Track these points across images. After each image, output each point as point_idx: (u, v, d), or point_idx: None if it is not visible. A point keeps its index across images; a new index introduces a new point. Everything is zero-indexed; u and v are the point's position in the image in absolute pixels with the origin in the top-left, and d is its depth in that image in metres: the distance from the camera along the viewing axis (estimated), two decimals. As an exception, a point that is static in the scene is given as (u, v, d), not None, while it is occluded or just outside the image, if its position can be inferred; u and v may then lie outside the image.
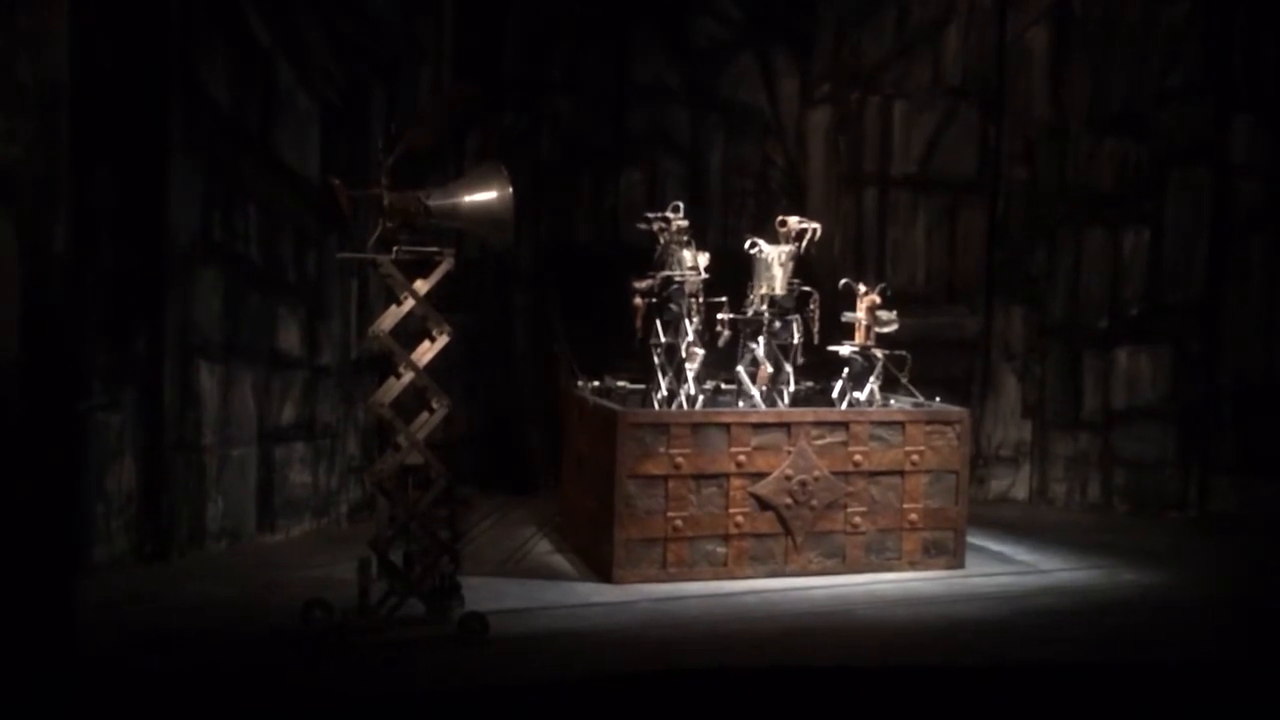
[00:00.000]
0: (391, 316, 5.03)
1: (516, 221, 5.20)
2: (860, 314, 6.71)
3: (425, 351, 5.08)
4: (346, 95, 7.24)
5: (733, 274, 6.71)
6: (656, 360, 6.54)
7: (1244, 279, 7.95)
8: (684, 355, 6.45)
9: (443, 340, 5.06)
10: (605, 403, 6.52)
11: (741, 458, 6.22)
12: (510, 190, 5.08)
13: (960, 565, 6.57)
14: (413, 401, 5.13)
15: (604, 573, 6.13)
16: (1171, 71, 8.10)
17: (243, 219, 6.58)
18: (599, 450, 6.31)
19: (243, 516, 6.61)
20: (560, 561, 6.57)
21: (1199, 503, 8.00)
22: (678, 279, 6.48)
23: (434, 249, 5.03)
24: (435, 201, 5.03)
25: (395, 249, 4.99)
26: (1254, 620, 5.78)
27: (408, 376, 5.03)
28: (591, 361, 7.28)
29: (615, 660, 4.94)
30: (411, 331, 5.19)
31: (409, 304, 5.01)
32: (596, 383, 7.01)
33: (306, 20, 6.92)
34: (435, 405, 5.08)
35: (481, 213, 5.10)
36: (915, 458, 6.48)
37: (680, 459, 6.12)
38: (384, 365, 5.22)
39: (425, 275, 5.03)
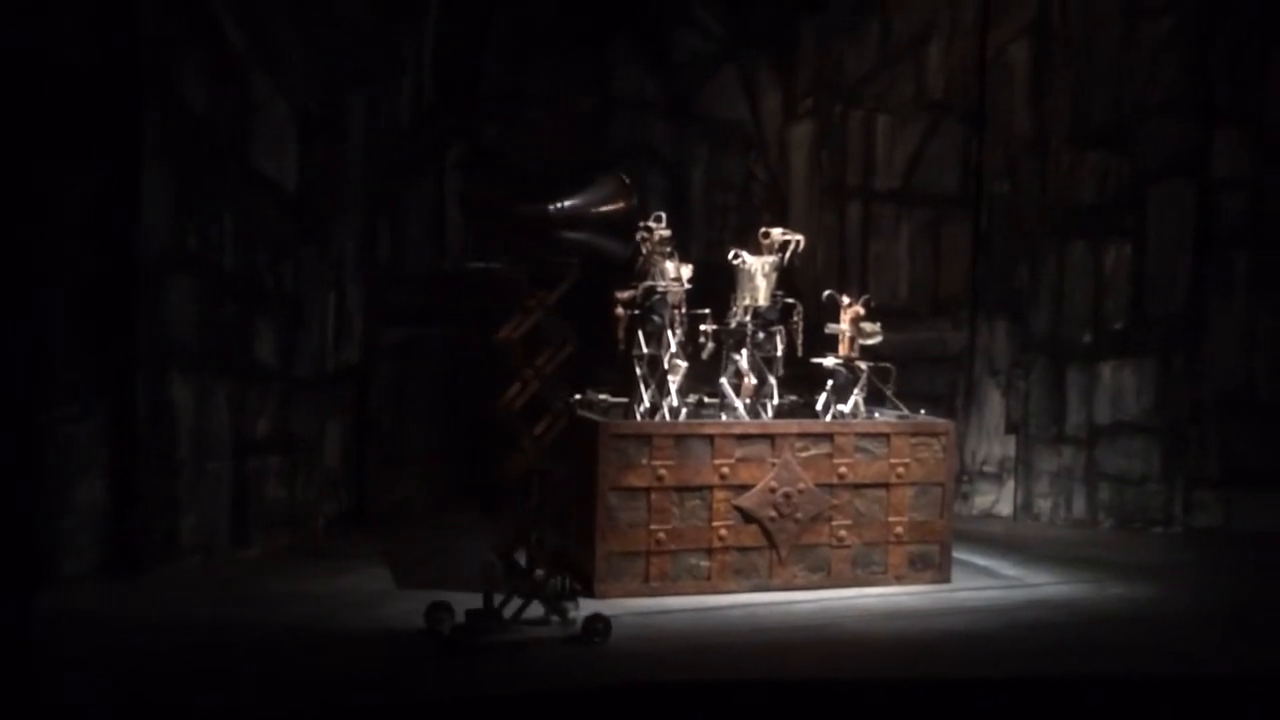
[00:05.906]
0: (519, 325, 5.19)
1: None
2: (844, 325, 6.65)
3: (547, 360, 5.30)
4: (325, 103, 7.16)
5: (715, 289, 6.63)
6: (639, 372, 6.46)
7: (1227, 293, 7.94)
8: (666, 367, 6.37)
9: (566, 350, 5.26)
10: (586, 414, 6.43)
11: (725, 470, 6.14)
12: (635, 201, 5.35)
13: (946, 579, 6.50)
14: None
15: (585, 586, 6.03)
16: (1153, 86, 8.09)
17: (217, 227, 6.45)
18: (580, 463, 6.22)
19: (217, 530, 6.48)
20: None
21: (1184, 517, 7.95)
22: (660, 289, 6.39)
23: (561, 259, 5.19)
24: (561, 210, 5.18)
25: (520, 259, 5.16)
26: (1241, 633, 5.73)
27: (531, 384, 5.24)
28: (572, 374, 7.18)
29: (597, 674, 4.83)
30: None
31: (535, 313, 5.20)
32: (578, 395, 6.91)
33: (284, 27, 6.83)
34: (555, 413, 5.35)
35: (607, 223, 5.30)
36: (901, 470, 6.41)
37: (663, 470, 6.04)
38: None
39: (550, 286, 5.21)
